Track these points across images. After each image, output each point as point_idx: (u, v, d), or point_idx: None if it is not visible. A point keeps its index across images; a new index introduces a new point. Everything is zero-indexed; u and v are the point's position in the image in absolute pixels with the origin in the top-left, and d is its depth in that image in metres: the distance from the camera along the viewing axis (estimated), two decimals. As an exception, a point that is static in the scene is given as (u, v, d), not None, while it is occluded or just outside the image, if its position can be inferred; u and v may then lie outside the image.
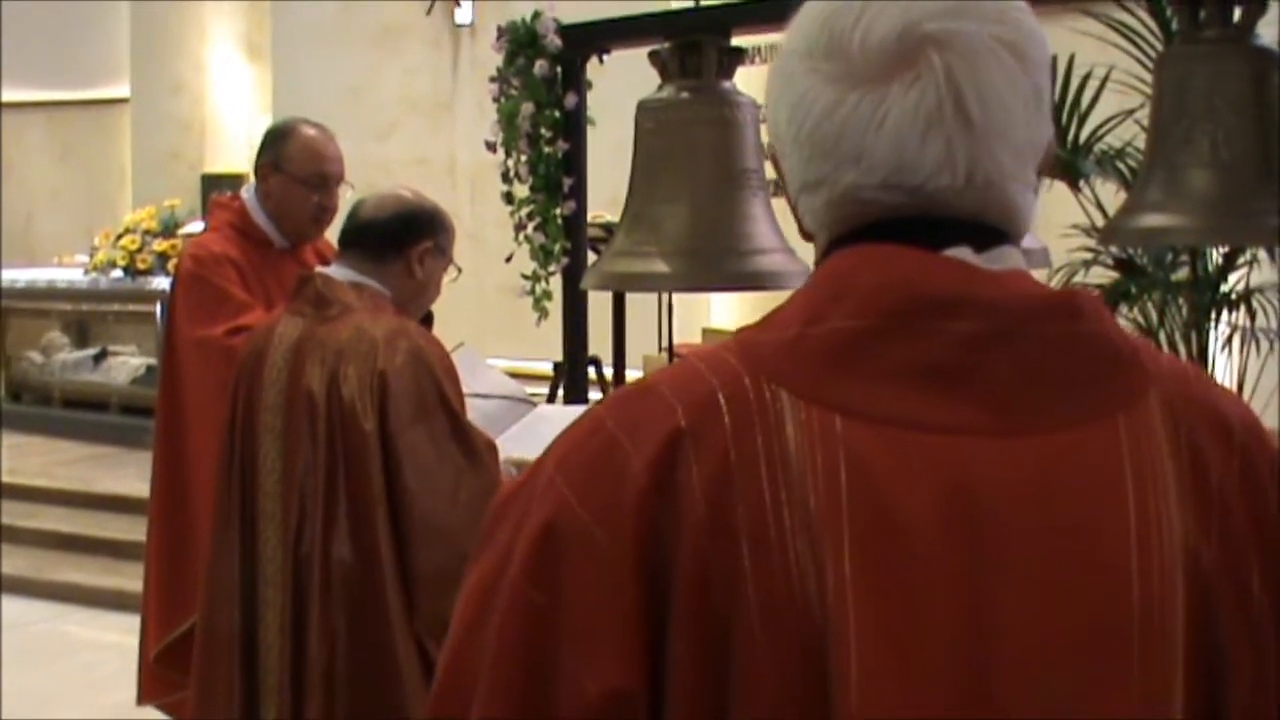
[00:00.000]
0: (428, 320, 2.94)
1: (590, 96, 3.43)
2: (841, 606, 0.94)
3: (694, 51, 2.91)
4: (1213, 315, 4.54)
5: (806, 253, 3.25)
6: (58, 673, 5.85)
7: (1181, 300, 4.51)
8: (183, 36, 11.55)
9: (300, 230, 3.65)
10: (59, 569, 7.08)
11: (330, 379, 2.68)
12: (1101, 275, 4.70)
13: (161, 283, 8.81)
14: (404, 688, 2.65)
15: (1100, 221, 4.14)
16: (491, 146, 3.44)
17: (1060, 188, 4.40)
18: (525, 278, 3.45)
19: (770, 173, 3.24)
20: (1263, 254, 4.52)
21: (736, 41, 2.99)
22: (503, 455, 2.84)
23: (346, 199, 3.43)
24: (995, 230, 1.03)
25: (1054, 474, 0.98)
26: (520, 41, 3.37)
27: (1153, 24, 4.28)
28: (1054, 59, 1.08)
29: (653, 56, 2.99)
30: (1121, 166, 4.48)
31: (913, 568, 0.95)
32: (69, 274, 10.09)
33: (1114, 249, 4.42)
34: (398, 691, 2.65)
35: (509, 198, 3.42)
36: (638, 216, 2.94)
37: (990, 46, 1.00)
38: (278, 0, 10.66)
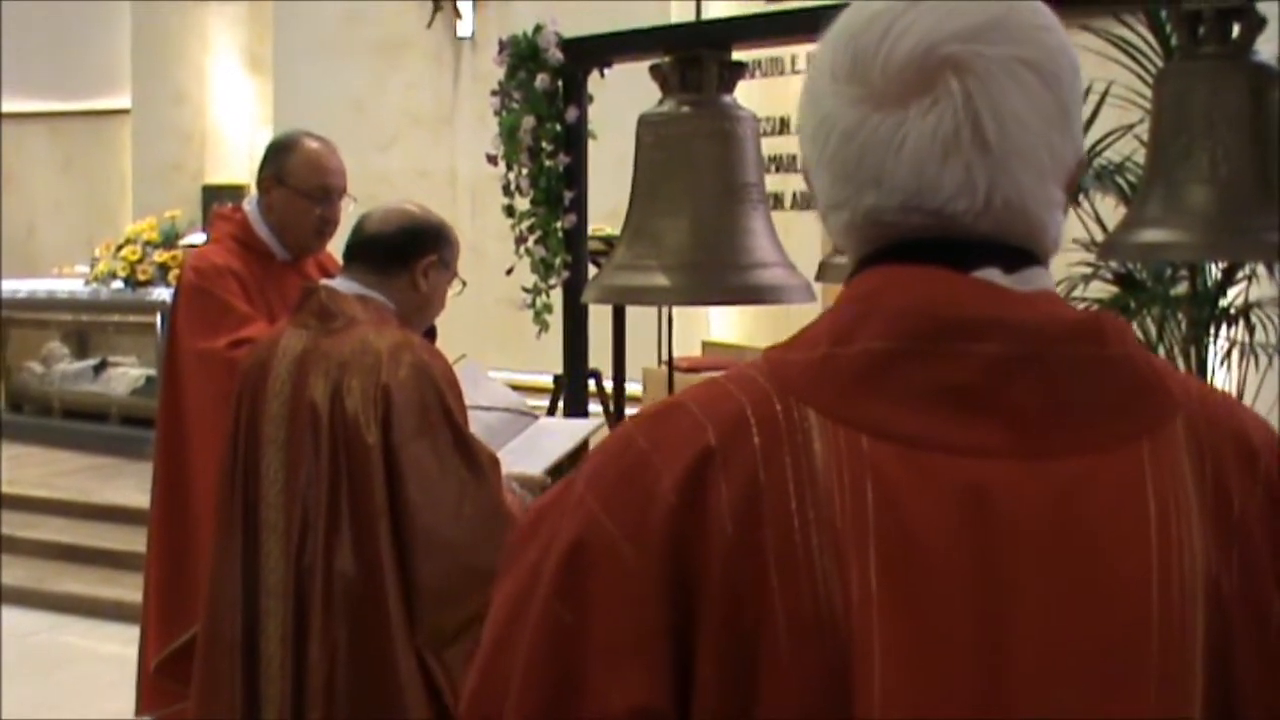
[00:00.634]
0: (430, 334, 2.95)
1: (591, 110, 3.43)
2: (866, 623, 0.95)
3: (695, 66, 2.92)
4: (1211, 330, 4.55)
5: (807, 267, 3.25)
6: (56, 683, 5.85)
7: (1180, 315, 4.51)
8: (184, 47, 11.57)
9: (302, 243, 3.66)
10: (58, 579, 7.08)
11: (334, 391, 2.68)
12: (1101, 290, 4.70)
13: (162, 294, 8.81)
14: (404, 700, 2.65)
15: (1099, 236, 4.15)
16: (493, 159, 3.44)
17: (1060, 202, 4.40)
18: (526, 291, 3.46)
19: (771, 186, 3.24)
20: (1261, 269, 4.52)
21: (737, 56, 3.01)
22: (504, 468, 2.85)
23: (349, 212, 3.44)
24: (1021, 251, 1.04)
25: (1077, 497, 0.98)
26: (522, 55, 3.38)
27: (1152, 39, 4.28)
28: None
29: (654, 70, 3.00)
30: (1121, 181, 4.49)
31: (934, 586, 0.96)
32: (69, 284, 10.07)
33: (1113, 264, 4.43)
34: (398, 704, 2.65)
35: (510, 211, 3.43)
36: (638, 230, 2.95)
37: (1011, 68, 1.00)
38: (280, 12, 10.66)
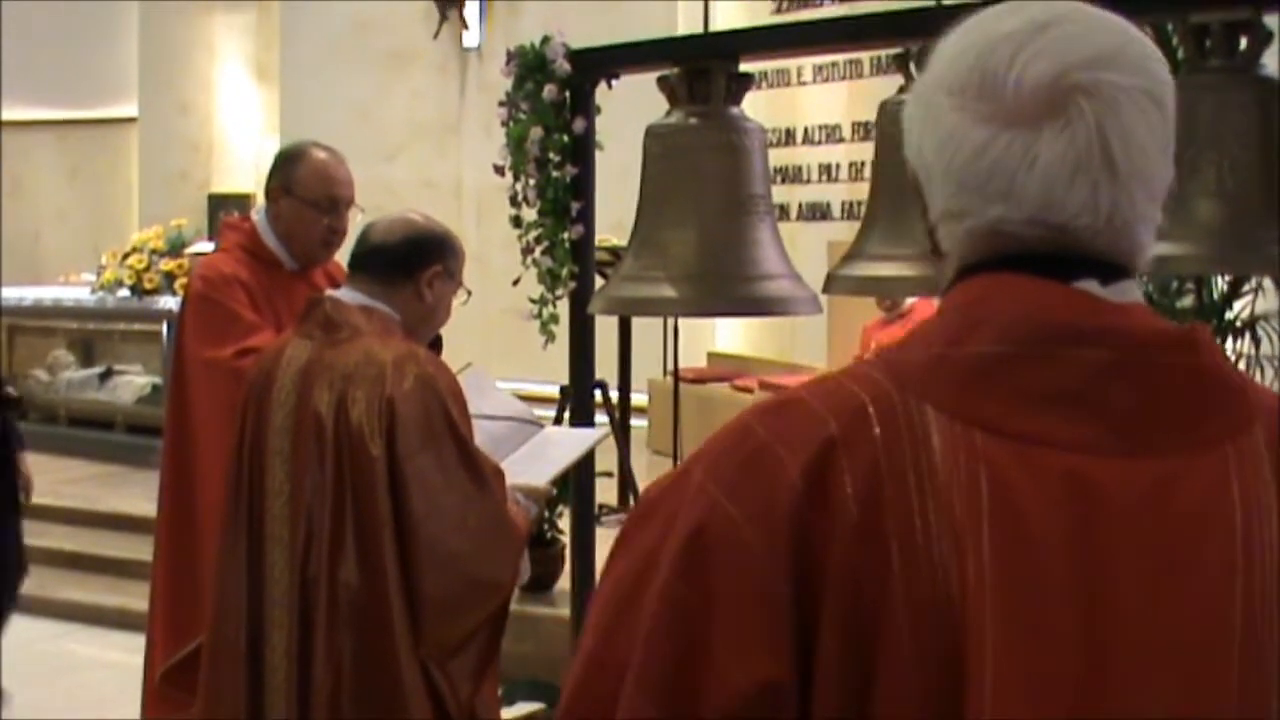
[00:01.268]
0: (437, 344, 2.95)
1: (598, 121, 3.44)
2: (979, 608, 1.01)
3: (702, 77, 2.92)
4: (1218, 343, 4.54)
5: (813, 278, 3.23)
6: (61, 691, 5.85)
7: (1186, 327, 4.51)
8: (191, 57, 11.61)
9: (310, 253, 3.66)
10: (63, 587, 7.08)
11: (338, 403, 2.69)
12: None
13: (168, 302, 8.82)
14: (408, 711, 2.65)
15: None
16: (500, 170, 3.44)
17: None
18: (532, 301, 3.46)
19: (776, 198, 3.25)
20: (1267, 282, 4.53)
21: (744, 67, 3.01)
22: (509, 478, 2.85)
23: (356, 222, 3.44)
24: (1118, 265, 1.11)
25: (1168, 494, 1.05)
26: (529, 66, 3.38)
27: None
28: None
29: (661, 82, 3.00)
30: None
31: (1041, 574, 1.02)
32: (75, 292, 10.09)
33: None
34: (402, 714, 2.65)
35: (517, 221, 3.43)
36: (645, 241, 2.95)
37: (1134, 97, 1.08)
38: (287, 22, 10.69)
